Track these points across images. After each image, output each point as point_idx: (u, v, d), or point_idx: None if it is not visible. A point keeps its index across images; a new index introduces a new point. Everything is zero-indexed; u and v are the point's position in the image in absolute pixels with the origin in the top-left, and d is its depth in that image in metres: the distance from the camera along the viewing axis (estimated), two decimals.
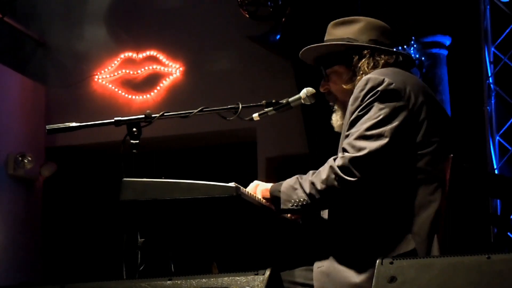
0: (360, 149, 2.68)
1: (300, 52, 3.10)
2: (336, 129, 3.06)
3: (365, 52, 2.96)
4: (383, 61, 2.94)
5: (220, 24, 7.98)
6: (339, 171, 2.68)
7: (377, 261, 2.18)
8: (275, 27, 7.24)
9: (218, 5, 7.96)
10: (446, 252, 2.69)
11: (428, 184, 2.77)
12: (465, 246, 2.83)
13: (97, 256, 7.78)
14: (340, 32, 3.04)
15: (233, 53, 7.92)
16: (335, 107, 3.07)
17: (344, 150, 2.73)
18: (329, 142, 2.89)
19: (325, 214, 2.96)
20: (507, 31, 6.42)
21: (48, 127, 3.12)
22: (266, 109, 3.14)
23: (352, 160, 2.67)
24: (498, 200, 5.85)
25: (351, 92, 2.91)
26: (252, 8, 7.21)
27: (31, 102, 8.17)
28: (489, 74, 6.41)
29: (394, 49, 3.02)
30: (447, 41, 6.65)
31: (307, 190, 2.74)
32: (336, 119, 3.07)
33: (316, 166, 2.88)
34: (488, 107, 6.38)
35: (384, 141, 2.69)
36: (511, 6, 6.38)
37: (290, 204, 2.78)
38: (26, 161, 7.73)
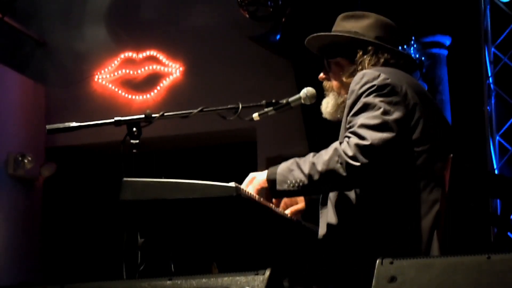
0: (364, 138, 2.68)
1: (306, 39, 3.11)
2: (324, 115, 3.10)
3: (370, 48, 2.98)
4: (383, 59, 2.96)
5: (220, 24, 7.98)
6: (343, 155, 2.67)
7: (377, 261, 2.18)
8: (275, 27, 7.24)
9: (218, 5, 7.96)
10: (446, 252, 2.69)
11: (426, 183, 2.77)
12: (465, 246, 2.83)
13: (97, 256, 7.79)
14: (348, 25, 3.06)
15: (233, 53, 7.92)
16: (330, 94, 3.09)
17: (348, 137, 2.73)
18: (329, 142, 2.88)
19: (322, 216, 2.95)
20: (507, 31, 6.42)
21: (48, 127, 3.12)
22: (266, 109, 3.14)
23: (358, 146, 2.67)
24: (498, 200, 5.85)
25: (349, 85, 2.93)
26: (252, 8, 7.21)
27: (31, 102, 8.17)
28: (489, 74, 6.42)
29: (399, 49, 3.03)
30: (447, 41, 6.65)
31: (306, 171, 2.73)
32: (326, 105, 3.09)
33: None
34: (488, 107, 6.38)
35: (388, 132, 2.70)
36: (511, 6, 6.38)
37: (286, 185, 2.76)
38: (26, 161, 7.73)
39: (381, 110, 2.73)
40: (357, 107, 2.78)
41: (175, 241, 2.94)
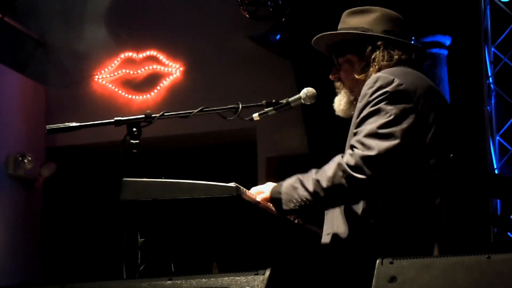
0: (370, 148, 2.65)
1: (313, 40, 3.07)
2: (337, 113, 3.04)
3: (379, 43, 2.93)
4: (397, 56, 2.91)
5: (220, 24, 7.98)
6: (348, 168, 2.65)
7: (377, 261, 2.18)
8: (275, 27, 7.24)
9: (218, 5, 7.96)
10: (446, 252, 2.69)
11: (432, 187, 2.76)
12: (465, 246, 2.83)
13: (97, 256, 7.78)
14: (354, 21, 3.01)
15: (233, 53, 7.92)
16: (342, 91, 3.04)
17: (353, 147, 2.70)
18: (329, 142, 2.88)
19: (327, 215, 2.95)
20: (507, 31, 6.42)
21: (48, 127, 3.12)
22: (266, 109, 3.14)
23: (363, 157, 2.64)
24: (498, 200, 5.85)
25: (362, 82, 2.90)
26: (252, 8, 7.21)
27: (31, 102, 8.17)
28: (489, 74, 6.41)
29: (410, 41, 2.99)
30: (447, 41, 6.64)
31: (311, 188, 2.71)
32: (338, 103, 3.04)
33: (316, 166, 2.87)
34: (488, 107, 6.38)
35: (395, 141, 2.66)
36: (511, 6, 6.38)
37: (292, 204, 2.75)
38: (26, 161, 7.73)
39: (392, 118, 2.70)
40: (368, 112, 2.75)
41: (175, 241, 2.94)
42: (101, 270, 5.02)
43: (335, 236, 2.85)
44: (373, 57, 2.93)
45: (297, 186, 2.75)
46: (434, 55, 6.61)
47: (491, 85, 6.39)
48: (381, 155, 2.64)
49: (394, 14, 3.04)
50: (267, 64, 7.76)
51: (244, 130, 7.53)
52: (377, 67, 2.90)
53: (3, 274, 7.41)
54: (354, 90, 2.98)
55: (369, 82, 2.81)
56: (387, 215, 2.74)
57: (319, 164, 2.84)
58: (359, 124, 2.76)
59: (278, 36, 7.25)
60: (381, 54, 2.92)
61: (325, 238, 2.90)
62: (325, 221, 2.94)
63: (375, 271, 2.17)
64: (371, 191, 2.69)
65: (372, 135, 2.68)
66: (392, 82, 2.76)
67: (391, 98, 2.73)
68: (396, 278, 2.13)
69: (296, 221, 3.07)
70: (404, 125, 2.70)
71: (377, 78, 2.79)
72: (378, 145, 2.65)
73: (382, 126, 2.69)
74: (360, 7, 3.06)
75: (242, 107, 3.12)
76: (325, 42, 3.08)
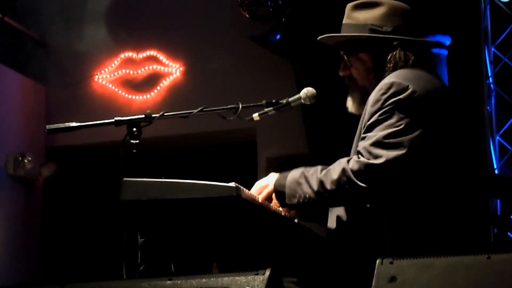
0: (377, 156, 2.63)
1: (319, 38, 3.01)
2: (351, 110, 2.99)
3: (395, 43, 2.86)
4: (413, 57, 2.85)
5: (220, 24, 7.98)
6: (352, 175, 2.64)
7: (377, 261, 2.18)
8: (275, 27, 7.24)
9: (218, 5, 7.96)
10: (446, 252, 2.69)
11: (433, 187, 2.75)
12: (465, 246, 2.83)
13: (97, 256, 7.79)
14: (361, 16, 2.93)
15: (233, 53, 7.92)
16: (356, 91, 2.97)
17: (359, 153, 2.68)
18: (329, 142, 2.88)
19: (332, 210, 2.94)
20: (507, 31, 6.42)
21: (48, 127, 3.12)
22: (266, 109, 3.14)
23: (368, 166, 2.62)
24: (498, 200, 5.85)
25: (375, 81, 2.85)
26: (252, 8, 7.21)
27: (31, 102, 8.17)
28: (489, 74, 6.41)
29: (421, 36, 2.94)
30: (447, 41, 6.64)
31: (315, 188, 2.71)
32: (352, 102, 2.98)
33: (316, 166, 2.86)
34: (488, 107, 6.38)
35: (402, 151, 2.64)
36: (511, 6, 6.38)
37: (296, 200, 2.76)
38: (26, 161, 7.73)
39: (401, 127, 2.67)
40: (378, 119, 2.71)
41: (175, 241, 2.95)
42: (101, 270, 5.03)
43: (338, 218, 2.85)
44: (389, 57, 2.86)
45: (301, 182, 2.75)
46: (434, 55, 6.61)
47: (491, 85, 6.39)
48: (387, 164, 2.62)
49: (404, 7, 2.95)
50: (267, 64, 7.75)
51: (244, 130, 7.53)
52: (392, 67, 2.84)
53: (3, 274, 7.41)
54: (368, 88, 2.91)
55: (382, 86, 2.76)
56: (388, 214, 2.74)
57: (319, 164, 2.83)
58: (368, 129, 2.73)
59: (278, 36, 7.25)
60: (397, 55, 2.85)
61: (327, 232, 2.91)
62: (329, 214, 2.94)
63: (375, 271, 2.17)
64: (373, 199, 2.69)
65: (380, 143, 2.66)
66: (406, 89, 2.71)
67: (404, 106, 2.69)
68: (396, 278, 2.13)
69: (296, 220, 3.07)
70: (414, 135, 2.67)
71: (391, 84, 2.73)
72: (385, 154, 2.63)
73: (391, 135, 2.66)
74: (365, 0, 2.95)
75: (242, 107, 3.12)
76: (333, 39, 3.01)
